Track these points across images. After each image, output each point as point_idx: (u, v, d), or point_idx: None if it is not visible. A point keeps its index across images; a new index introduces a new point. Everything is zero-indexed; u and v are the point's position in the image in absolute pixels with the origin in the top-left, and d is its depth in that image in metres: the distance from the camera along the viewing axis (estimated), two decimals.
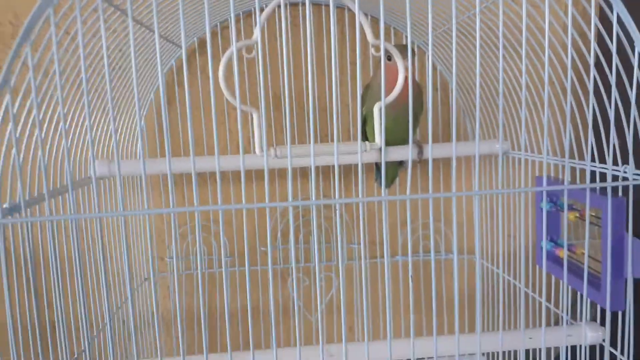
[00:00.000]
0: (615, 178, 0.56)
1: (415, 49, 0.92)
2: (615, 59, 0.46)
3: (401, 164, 0.87)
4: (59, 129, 0.58)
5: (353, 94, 0.93)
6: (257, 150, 0.59)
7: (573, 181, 0.65)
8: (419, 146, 0.78)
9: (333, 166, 0.95)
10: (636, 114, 0.48)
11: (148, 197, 0.87)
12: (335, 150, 0.50)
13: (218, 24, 0.90)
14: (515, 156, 0.79)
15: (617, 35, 0.47)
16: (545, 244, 0.69)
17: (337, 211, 0.56)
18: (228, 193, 0.93)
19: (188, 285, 0.96)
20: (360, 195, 0.58)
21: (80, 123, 0.67)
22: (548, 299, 0.74)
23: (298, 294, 0.95)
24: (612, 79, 0.47)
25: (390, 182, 0.88)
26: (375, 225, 0.97)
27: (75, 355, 0.62)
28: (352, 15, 0.90)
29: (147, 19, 0.70)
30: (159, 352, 0.51)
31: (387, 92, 0.66)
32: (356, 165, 0.95)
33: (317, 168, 0.91)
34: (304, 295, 0.97)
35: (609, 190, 0.53)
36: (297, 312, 0.57)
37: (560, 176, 0.70)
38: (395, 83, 0.73)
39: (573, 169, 0.64)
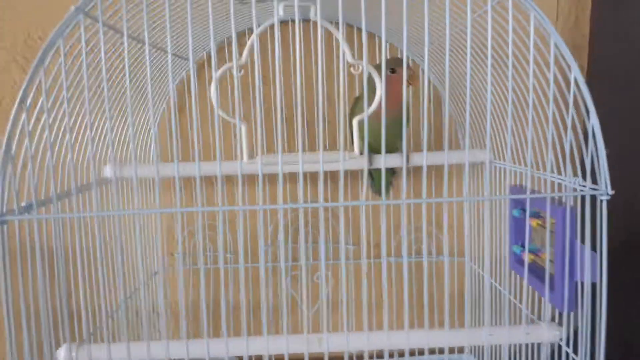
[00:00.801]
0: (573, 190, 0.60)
1: (410, 63, 0.98)
2: (552, 86, 0.51)
3: (393, 172, 0.93)
4: (67, 138, 0.66)
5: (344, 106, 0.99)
6: (244, 158, 0.67)
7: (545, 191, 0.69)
8: (405, 155, 0.83)
9: (331, 172, 1.02)
10: (570, 132, 0.52)
11: (140, 196, 0.94)
12: (296, 159, 0.56)
13: (225, 39, 0.97)
14: (498, 166, 0.84)
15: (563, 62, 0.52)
16: (517, 249, 0.75)
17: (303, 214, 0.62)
18: (233, 195, 1.01)
19: (194, 279, 1.04)
20: (362, 198, 0.65)
21: (96, 131, 0.76)
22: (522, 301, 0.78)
23: (295, 289, 1.02)
24: (550, 102, 0.52)
25: (386, 190, 0.94)
26: (370, 229, 1.03)
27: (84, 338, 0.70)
28: (347, 32, 0.97)
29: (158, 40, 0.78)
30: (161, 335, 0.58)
31: (390, 104, 0.72)
32: (353, 172, 1.03)
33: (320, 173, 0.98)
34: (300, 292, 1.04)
35: (548, 199, 0.57)
36: (266, 305, 0.64)
37: (537, 187, 0.75)
38: (397, 95, 0.79)
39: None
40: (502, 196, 0.60)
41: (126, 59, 0.51)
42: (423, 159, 0.60)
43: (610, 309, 0.84)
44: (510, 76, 0.52)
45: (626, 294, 0.88)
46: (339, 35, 0.53)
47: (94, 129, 0.74)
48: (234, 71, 0.54)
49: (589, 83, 0.99)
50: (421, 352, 1.02)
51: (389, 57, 0.97)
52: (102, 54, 0.51)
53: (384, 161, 0.63)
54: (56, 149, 0.59)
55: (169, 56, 0.51)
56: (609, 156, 0.91)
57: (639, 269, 0.87)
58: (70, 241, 0.62)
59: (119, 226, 0.76)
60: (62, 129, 0.59)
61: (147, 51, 0.51)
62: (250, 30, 0.96)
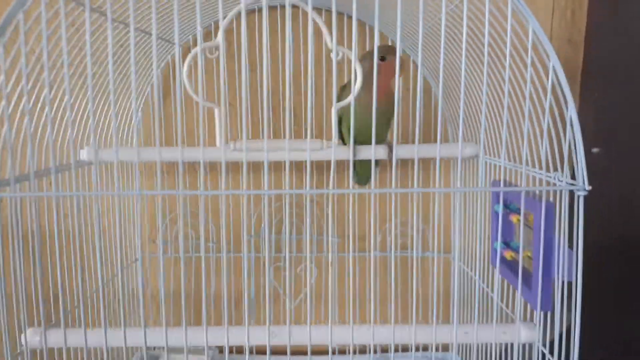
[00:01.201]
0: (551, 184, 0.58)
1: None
2: (529, 69, 0.49)
3: (377, 163, 0.91)
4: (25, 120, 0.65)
5: (328, 95, 0.97)
6: (217, 142, 0.65)
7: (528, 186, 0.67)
8: (389, 146, 0.81)
9: (318, 164, 1.00)
10: (550, 120, 0.50)
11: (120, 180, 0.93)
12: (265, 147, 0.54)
13: (212, 23, 0.95)
14: (488, 161, 0.82)
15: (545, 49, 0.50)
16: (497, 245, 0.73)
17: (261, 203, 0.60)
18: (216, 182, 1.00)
19: (176, 267, 1.02)
20: (331, 187, 0.63)
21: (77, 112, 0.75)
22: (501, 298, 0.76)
23: (278, 280, 1.01)
24: (528, 83, 0.49)
25: (365, 181, 0.92)
26: (356, 221, 1.01)
27: (53, 322, 0.69)
28: (336, 18, 0.94)
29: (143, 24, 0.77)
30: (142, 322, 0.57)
31: (382, 92, 0.70)
32: (340, 162, 1.00)
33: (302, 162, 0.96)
34: (282, 283, 1.02)
35: (522, 194, 0.55)
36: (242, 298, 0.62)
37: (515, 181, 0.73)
38: (386, 84, 0.77)
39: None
40: (474, 188, 0.58)
41: (87, 36, 0.49)
42: (393, 151, 0.58)
43: (608, 308, 0.82)
44: (486, 64, 0.50)
45: (623, 292, 0.86)
46: (310, 13, 0.51)
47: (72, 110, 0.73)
48: (199, 55, 0.52)
49: (586, 79, 0.98)
50: (405, 349, 1.00)
51: (379, 45, 0.95)
52: (63, 31, 0.50)
53: (351, 152, 0.61)
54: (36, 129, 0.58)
55: (132, 32, 0.49)
56: (605, 153, 0.89)
57: (636, 267, 0.85)
58: (48, 222, 0.62)
59: (97, 208, 0.75)
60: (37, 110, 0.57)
61: (109, 28, 0.49)
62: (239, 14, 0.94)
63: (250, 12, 0.95)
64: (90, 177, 0.83)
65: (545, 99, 0.52)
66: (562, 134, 0.52)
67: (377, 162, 0.90)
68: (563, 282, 0.57)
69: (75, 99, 0.75)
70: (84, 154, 0.77)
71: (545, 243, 0.58)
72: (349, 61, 0.57)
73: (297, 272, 1.00)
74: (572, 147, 0.51)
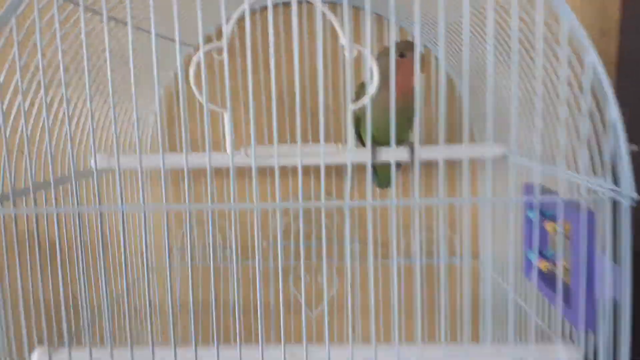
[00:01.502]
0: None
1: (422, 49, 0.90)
2: (565, 70, 0.44)
3: (398, 165, 0.86)
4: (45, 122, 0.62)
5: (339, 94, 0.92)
6: (227, 149, 0.61)
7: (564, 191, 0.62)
8: (411, 148, 0.76)
9: (337, 167, 0.96)
10: (588, 124, 0.45)
11: (122, 191, 0.90)
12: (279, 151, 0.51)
13: (224, 22, 0.92)
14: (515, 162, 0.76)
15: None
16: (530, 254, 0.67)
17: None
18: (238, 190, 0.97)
19: (201, 278, 0.99)
20: (346, 199, 0.59)
21: (84, 116, 0.72)
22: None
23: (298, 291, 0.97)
24: (562, 85, 0.44)
25: (387, 184, 0.88)
26: (378, 227, 0.96)
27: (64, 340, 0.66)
28: (352, 13, 0.90)
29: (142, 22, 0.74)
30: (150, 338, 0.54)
31: (400, 91, 0.65)
32: (362, 165, 0.95)
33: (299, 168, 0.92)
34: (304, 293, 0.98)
35: (560, 202, 0.50)
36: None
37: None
38: (408, 81, 0.72)
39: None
40: (505, 199, 0.53)
41: (83, 35, 0.46)
42: (415, 152, 0.53)
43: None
44: (515, 60, 0.45)
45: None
46: (319, 7, 0.47)
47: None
48: (201, 58, 0.48)
49: (619, 74, 0.91)
50: None
51: (398, 41, 0.90)
52: (57, 33, 0.46)
53: (370, 154, 0.57)
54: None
55: (129, 31, 0.46)
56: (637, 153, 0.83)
57: None
58: (53, 236, 0.59)
59: (101, 222, 0.72)
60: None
61: (105, 28, 0.46)
62: (253, 11, 0.90)
63: (263, 9, 0.91)
64: (102, 187, 0.81)
65: (581, 94, 0.47)
66: (602, 134, 0.47)
67: (399, 164, 0.86)
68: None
69: (82, 105, 0.72)
70: (93, 162, 0.74)
71: (587, 257, 0.52)
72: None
73: (319, 281, 0.96)
74: (615, 153, 0.45)
